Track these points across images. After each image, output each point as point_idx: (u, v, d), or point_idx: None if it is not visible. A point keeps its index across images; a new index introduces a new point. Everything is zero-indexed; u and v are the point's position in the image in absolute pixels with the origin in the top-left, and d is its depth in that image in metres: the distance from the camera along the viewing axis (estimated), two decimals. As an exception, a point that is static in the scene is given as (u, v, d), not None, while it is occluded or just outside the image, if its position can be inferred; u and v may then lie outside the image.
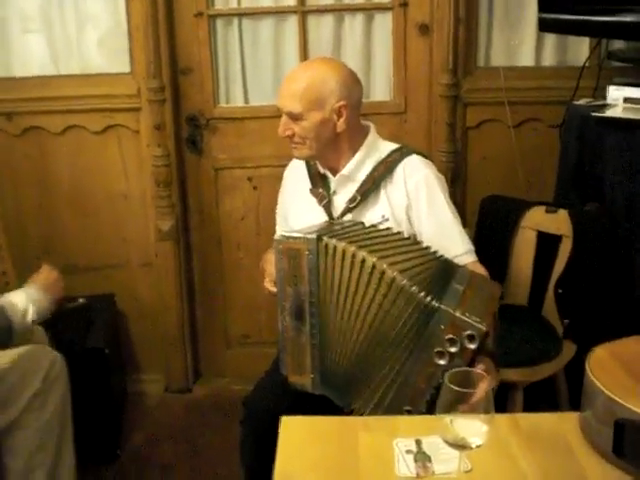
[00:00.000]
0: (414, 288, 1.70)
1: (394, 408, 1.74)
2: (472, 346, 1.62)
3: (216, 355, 3.45)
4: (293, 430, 1.56)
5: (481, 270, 2.08)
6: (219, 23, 3.11)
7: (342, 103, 2.09)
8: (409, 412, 1.71)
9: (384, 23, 3.09)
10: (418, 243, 2.00)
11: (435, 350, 1.66)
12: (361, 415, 1.78)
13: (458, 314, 1.65)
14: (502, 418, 1.55)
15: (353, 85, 2.15)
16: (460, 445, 1.26)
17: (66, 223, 3.22)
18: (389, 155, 2.18)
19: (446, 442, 1.27)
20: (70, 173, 3.18)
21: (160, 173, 3.09)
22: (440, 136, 3.09)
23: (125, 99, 3.08)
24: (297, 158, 2.27)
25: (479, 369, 1.57)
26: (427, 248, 1.95)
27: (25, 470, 2.14)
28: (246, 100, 3.21)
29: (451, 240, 2.10)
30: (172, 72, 3.08)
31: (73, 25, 3.08)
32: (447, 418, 1.25)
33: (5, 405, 2.07)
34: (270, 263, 2.09)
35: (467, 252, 2.12)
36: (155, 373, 3.40)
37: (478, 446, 1.25)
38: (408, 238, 2.02)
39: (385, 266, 1.73)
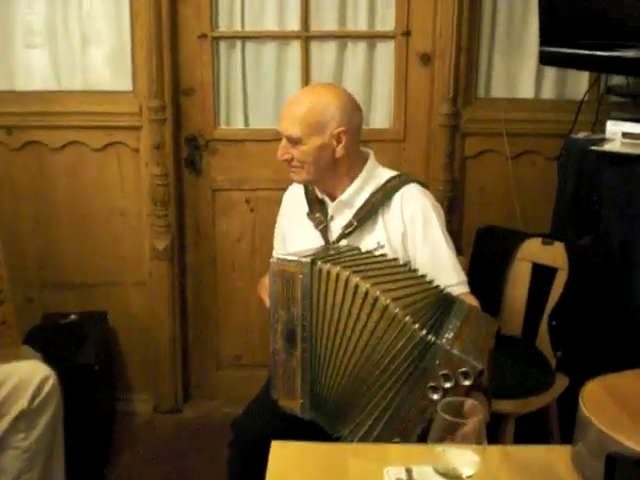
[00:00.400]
0: (408, 318, 1.69)
1: (383, 438, 1.72)
2: (467, 383, 1.61)
3: (207, 376, 3.43)
4: (283, 455, 1.55)
5: (473, 301, 2.08)
6: (222, 45, 3.13)
7: (342, 129, 2.10)
8: (398, 443, 1.69)
9: (386, 51, 3.12)
10: (414, 271, 1.99)
11: (429, 385, 1.65)
12: (350, 442, 1.77)
13: (455, 351, 1.63)
14: (493, 449, 1.54)
15: (353, 111, 2.16)
16: (451, 475, 1.25)
17: (62, 238, 3.22)
18: (387, 181, 2.19)
19: (437, 472, 1.26)
20: (68, 189, 3.18)
21: (158, 192, 3.10)
22: (438, 165, 3.11)
23: (126, 117, 3.09)
24: (296, 182, 2.28)
25: (472, 403, 1.58)
26: (423, 277, 1.95)
27: None
28: (246, 123, 3.23)
29: (445, 270, 2.09)
30: (174, 92, 3.10)
31: (77, 41, 3.10)
32: (439, 447, 1.24)
33: None
34: (266, 289, 2.08)
35: (460, 283, 2.12)
36: (145, 392, 3.38)
37: (469, 477, 1.24)
38: (404, 265, 2.02)
39: (378, 293, 1.72)
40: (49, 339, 2.89)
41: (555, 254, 2.63)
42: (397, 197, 2.16)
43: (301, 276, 1.81)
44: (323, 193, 2.24)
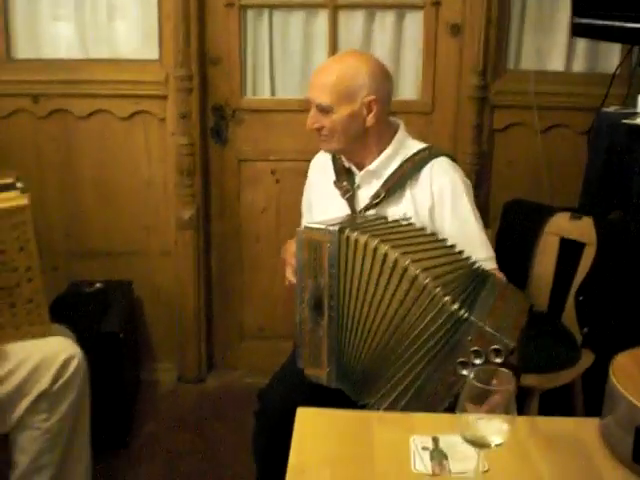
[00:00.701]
0: (438, 290, 1.67)
1: (410, 410, 1.72)
2: (497, 360, 1.59)
3: (230, 346, 3.45)
4: (308, 422, 1.56)
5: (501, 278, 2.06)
6: (250, 14, 3.11)
7: (372, 97, 2.08)
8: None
9: (415, 22, 3.08)
10: (442, 241, 1.96)
11: (458, 360, 1.63)
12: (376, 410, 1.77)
13: (487, 328, 1.62)
14: (521, 420, 1.54)
15: (384, 80, 2.13)
16: (480, 443, 1.24)
17: (88, 207, 3.23)
18: (416, 153, 2.16)
19: (465, 440, 1.26)
20: (94, 157, 3.18)
21: (184, 162, 3.09)
22: (466, 138, 3.08)
23: (152, 86, 3.08)
24: (324, 151, 2.26)
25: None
26: (452, 247, 1.93)
27: (31, 469, 2.09)
28: (273, 92, 3.21)
29: (473, 245, 2.06)
30: (200, 61, 3.08)
31: (104, 12, 3.09)
32: (468, 416, 1.23)
33: (12, 402, 2.02)
34: (291, 254, 2.07)
35: (488, 259, 2.09)
36: (169, 362, 3.41)
37: (498, 445, 1.24)
38: (432, 234, 1.99)
39: (408, 262, 1.70)
40: (74, 307, 2.91)
41: (583, 229, 2.61)
42: (426, 170, 2.13)
43: (328, 245, 1.79)
44: (350, 162, 2.22)
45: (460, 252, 1.92)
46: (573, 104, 3.04)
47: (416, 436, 1.48)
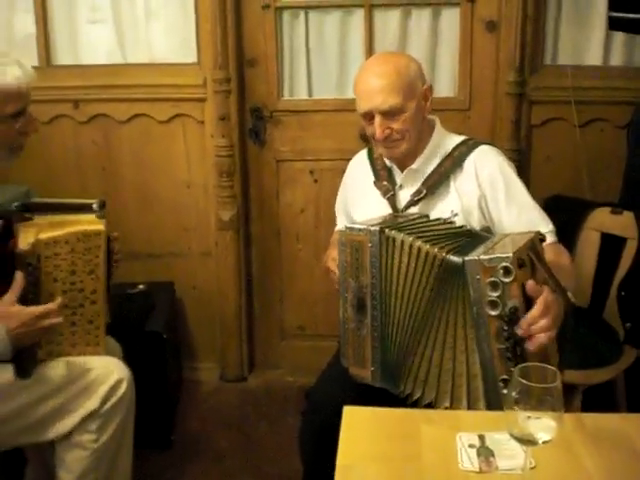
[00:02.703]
0: (437, 250, 1.72)
1: (443, 390, 1.75)
2: (509, 279, 1.58)
3: (271, 346, 3.48)
4: (356, 420, 1.56)
5: (563, 251, 2.06)
6: (285, 15, 3.13)
7: (427, 85, 2.12)
8: (505, 382, 1.63)
9: (451, 19, 3.08)
10: (484, 238, 1.94)
11: (485, 302, 1.62)
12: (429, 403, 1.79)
13: (482, 256, 1.62)
14: (566, 417, 1.53)
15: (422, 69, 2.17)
16: (527, 440, 1.25)
17: (129, 210, 3.28)
18: (455, 149, 2.16)
19: (513, 437, 1.26)
20: (134, 161, 3.23)
21: (223, 163, 3.13)
22: (504, 134, 3.07)
23: (191, 89, 3.12)
24: (392, 157, 2.19)
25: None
26: (492, 241, 1.92)
27: None
28: (310, 93, 3.23)
29: (534, 222, 2.05)
30: (238, 64, 3.11)
31: (141, 15, 3.14)
32: (515, 413, 1.24)
33: (58, 417, 2.03)
34: (333, 259, 2.09)
35: (550, 231, 2.07)
36: (211, 361, 3.44)
37: (545, 442, 1.24)
38: (470, 231, 1.99)
39: (436, 250, 1.73)
40: (118, 309, 2.95)
41: (624, 223, 2.59)
42: (469, 162, 2.12)
43: (370, 244, 1.81)
44: (392, 161, 2.22)
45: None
46: (611, 98, 3.02)
47: (462, 433, 1.49)
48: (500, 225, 2.07)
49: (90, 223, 1.97)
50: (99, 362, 2.09)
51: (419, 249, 1.75)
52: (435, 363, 1.77)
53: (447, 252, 1.71)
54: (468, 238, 1.87)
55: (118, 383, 2.08)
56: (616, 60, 3.10)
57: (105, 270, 2.02)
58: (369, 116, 2.08)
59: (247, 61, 3.14)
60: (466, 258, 1.65)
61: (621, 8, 2.66)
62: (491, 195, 2.09)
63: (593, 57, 3.10)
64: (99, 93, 3.15)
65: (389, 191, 2.19)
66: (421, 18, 3.10)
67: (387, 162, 2.24)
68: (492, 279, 1.60)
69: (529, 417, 1.23)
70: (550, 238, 2.05)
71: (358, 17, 3.10)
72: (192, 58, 3.13)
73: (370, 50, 3.07)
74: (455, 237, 1.86)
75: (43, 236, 1.90)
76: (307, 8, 3.12)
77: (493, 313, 1.61)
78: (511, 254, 1.58)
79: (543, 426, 1.23)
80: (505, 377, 1.63)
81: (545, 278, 1.73)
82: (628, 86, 2.94)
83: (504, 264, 1.58)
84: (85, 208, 2.00)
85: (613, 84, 3.03)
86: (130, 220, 3.28)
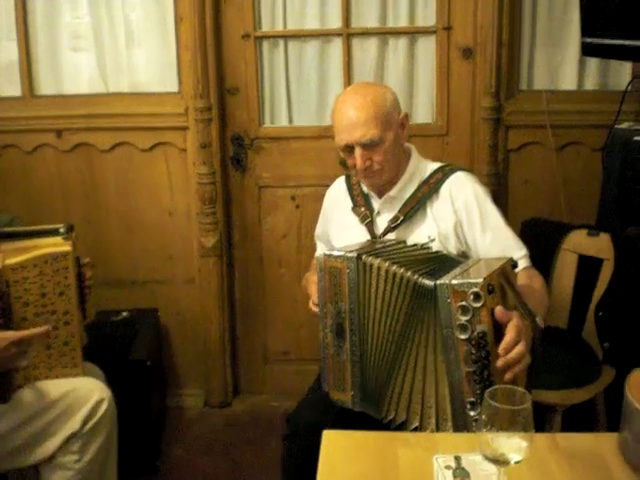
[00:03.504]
0: (409, 273, 1.75)
1: (425, 414, 1.76)
2: (479, 304, 1.61)
3: (255, 371, 3.49)
4: (335, 444, 1.58)
5: (535, 275, 2.09)
6: (265, 45, 3.18)
7: (403, 113, 2.15)
8: (472, 404, 1.67)
9: (428, 46, 3.14)
10: (459, 262, 1.99)
11: (455, 326, 1.65)
12: (401, 423, 1.81)
13: (453, 281, 1.65)
14: (541, 437, 1.56)
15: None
16: (500, 461, 1.28)
17: (113, 238, 3.30)
18: (432, 175, 2.20)
19: (485, 458, 1.29)
20: (117, 189, 3.26)
21: (205, 191, 3.16)
22: (482, 158, 3.12)
23: (173, 118, 3.15)
24: (374, 186, 2.23)
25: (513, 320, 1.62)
26: (467, 264, 1.95)
27: None
28: (290, 120, 3.27)
29: (508, 247, 2.09)
30: (219, 92, 3.15)
31: (122, 44, 3.18)
32: (487, 434, 1.27)
33: (39, 441, 2.05)
34: (312, 282, 2.12)
35: (524, 256, 2.12)
36: (195, 387, 3.45)
37: (517, 462, 1.27)
38: (446, 256, 2.04)
39: (409, 273, 1.76)
40: (101, 336, 2.97)
41: (601, 245, 2.63)
42: (445, 188, 2.16)
43: (347, 270, 1.84)
44: (370, 188, 2.26)
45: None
46: (586, 122, 3.08)
47: (439, 455, 1.51)
48: (475, 250, 2.11)
49: (57, 245, 1.98)
50: (78, 383, 2.10)
51: (394, 274, 1.79)
52: (407, 384, 1.80)
53: (420, 275, 1.75)
54: (443, 262, 1.91)
55: (98, 403, 2.09)
56: (590, 84, 3.16)
57: (76, 291, 2.03)
58: (349, 148, 2.11)
59: (228, 89, 3.18)
60: (438, 282, 1.68)
61: (594, 34, 2.71)
62: (467, 221, 2.13)
63: (568, 82, 3.15)
64: (82, 122, 3.18)
65: (367, 217, 2.22)
66: (398, 46, 3.15)
67: (364, 189, 2.27)
68: (462, 303, 1.63)
69: (500, 438, 1.26)
70: (524, 263, 2.10)
71: (336, 46, 3.15)
72: (173, 87, 3.17)
73: (349, 78, 3.13)
74: (430, 262, 1.89)
75: (10, 261, 1.92)
76: (286, 37, 3.17)
77: (462, 337, 1.64)
78: (481, 280, 1.62)
79: (514, 446, 1.26)
80: (472, 399, 1.66)
81: (515, 304, 1.77)
82: (602, 109, 2.97)
83: (474, 289, 1.62)
84: (52, 233, 2.01)
85: (588, 108, 3.08)
86: (114, 247, 3.30)
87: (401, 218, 2.16)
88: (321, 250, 2.42)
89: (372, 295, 1.83)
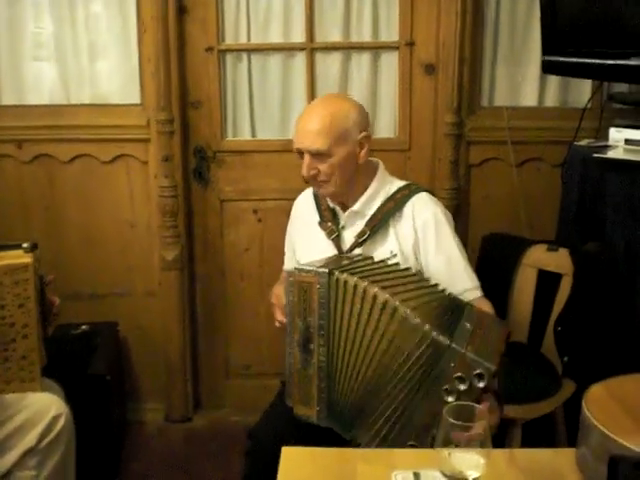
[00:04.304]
0: (427, 326, 1.73)
1: (399, 442, 1.75)
2: (481, 385, 1.64)
3: (217, 385, 3.46)
4: (293, 460, 1.58)
5: (487, 305, 2.12)
6: (229, 58, 3.18)
7: (364, 134, 2.14)
8: (413, 446, 1.72)
9: (390, 62, 3.16)
10: (426, 280, 2.03)
11: (443, 388, 1.68)
12: (366, 447, 1.80)
13: (468, 353, 1.67)
14: (499, 453, 1.57)
15: (367, 117, 2.20)
16: (458, 478, 1.28)
17: (73, 250, 3.26)
18: (397, 191, 2.22)
19: (444, 475, 1.29)
20: (78, 201, 3.22)
21: (167, 203, 3.14)
22: (443, 173, 3.14)
23: (135, 130, 3.13)
24: (323, 195, 2.27)
25: (483, 406, 1.61)
26: (435, 285, 1.99)
27: None
28: (253, 134, 3.27)
29: (458, 276, 2.13)
30: (181, 105, 3.14)
31: (85, 55, 3.15)
32: (445, 451, 1.27)
33: None
34: (277, 296, 2.11)
35: (474, 288, 2.15)
36: (155, 402, 3.41)
37: (475, 478, 1.27)
38: (415, 274, 2.05)
39: (397, 303, 1.76)
40: (60, 350, 2.92)
41: (560, 260, 2.65)
42: (408, 206, 2.18)
43: (318, 286, 1.84)
44: (334, 202, 2.26)
45: (442, 290, 1.97)
46: (546, 138, 3.12)
47: (398, 471, 1.51)
48: (427, 271, 2.14)
49: (17, 257, 1.96)
50: (35, 398, 2.08)
51: (375, 296, 1.78)
52: (382, 413, 1.79)
53: (418, 313, 1.75)
54: (424, 293, 1.92)
55: (55, 419, 2.08)
56: (551, 101, 3.21)
57: (37, 305, 2.00)
58: (301, 153, 2.14)
59: (190, 102, 3.17)
60: (452, 345, 1.69)
61: (554, 52, 2.75)
62: (422, 240, 2.15)
63: (528, 98, 3.20)
64: (42, 133, 3.15)
65: (334, 232, 2.23)
66: (361, 61, 3.17)
67: (330, 203, 2.27)
68: (463, 375, 1.66)
69: (458, 455, 1.26)
70: (476, 293, 2.14)
71: (300, 60, 3.15)
72: (135, 99, 3.15)
73: (312, 92, 3.13)
74: (410, 288, 1.91)
75: None
76: (250, 51, 3.17)
77: (447, 399, 1.67)
78: (493, 368, 1.65)
79: (472, 463, 1.27)
80: (413, 443, 1.73)
81: None
82: (562, 126, 3.01)
83: (483, 372, 1.65)
84: (14, 247, 2.00)
85: (548, 124, 3.13)
86: (73, 260, 3.26)
87: (368, 233, 2.17)
88: (288, 262, 2.43)
89: (346, 312, 1.83)
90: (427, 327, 1.72)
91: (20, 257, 1.96)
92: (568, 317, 2.62)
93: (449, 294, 1.98)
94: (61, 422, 2.08)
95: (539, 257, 2.73)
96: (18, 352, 2.01)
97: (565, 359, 2.63)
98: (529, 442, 2.49)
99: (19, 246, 2.00)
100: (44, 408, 2.07)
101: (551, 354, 2.67)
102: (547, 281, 2.69)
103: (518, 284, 2.75)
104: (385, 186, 2.24)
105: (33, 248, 1.99)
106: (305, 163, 2.13)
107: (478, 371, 1.65)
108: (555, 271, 2.67)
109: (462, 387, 1.65)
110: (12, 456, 2.03)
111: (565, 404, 2.60)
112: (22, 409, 2.05)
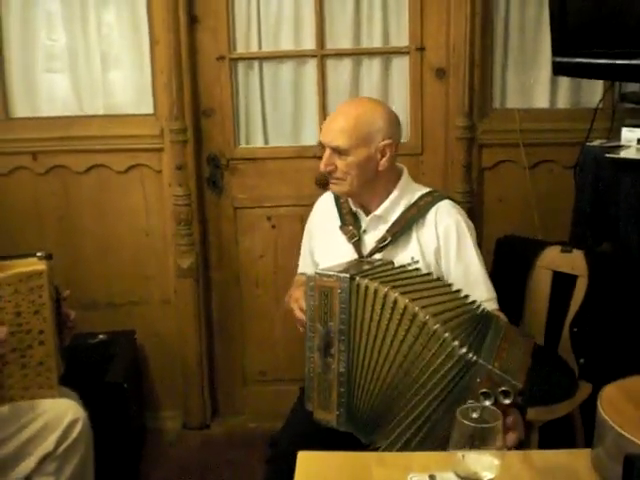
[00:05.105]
0: (447, 334, 1.72)
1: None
2: (506, 401, 1.63)
3: (233, 392, 3.47)
4: (309, 465, 1.58)
5: (502, 318, 2.10)
6: (240, 66, 3.19)
7: (387, 142, 2.14)
8: None
9: (401, 67, 3.17)
10: (449, 286, 2.02)
11: (468, 402, 1.67)
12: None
13: (496, 370, 1.66)
14: (515, 454, 1.57)
15: (397, 125, 2.21)
16: (472, 479, 1.28)
17: (89, 260, 3.28)
18: (421, 198, 2.23)
19: (459, 477, 1.29)
20: (93, 211, 3.25)
21: (181, 212, 3.15)
22: (456, 177, 3.14)
23: (148, 140, 3.15)
24: (336, 193, 2.30)
25: (508, 422, 1.62)
26: (458, 292, 1.98)
27: None
28: (266, 141, 3.28)
29: (476, 286, 2.13)
30: (194, 114, 3.16)
31: (97, 66, 3.18)
32: (460, 453, 1.27)
33: (14, 462, 2.04)
34: (295, 299, 2.12)
35: (490, 299, 2.15)
36: (173, 409, 3.43)
37: (490, 480, 1.28)
38: (438, 280, 2.05)
39: (417, 309, 1.75)
40: (78, 359, 2.94)
41: (575, 262, 2.65)
42: (431, 213, 2.19)
43: (339, 291, 1.84)
44: (357, 206, 2.27)
45: (466, 296, 1.96)
46: (559, 140, 3.11)
47: (413, 474, 1.51)
48: (447, 278, 2.14)
49: (31, 265, 1.97)
50: (52, 404, 2.09)
51: (395, 301, 1.78)
52: (408, 424, 1.79)
53: (438, 320, 1.74)
54: (446, 299, 1.91)
55: (73, 424, 2.09)
56: (562, 103, 3.20)
57: (52, 312, 2.02)
58: (323, 147, 2.17)
59: (203, 111, 3.19)
60: (480, 361, 1.68)
61: (565, 53, 2.75)
62: (444, 248, 2.17)
63: (540, 100, 3.19)
64: (57, 145, 3.17)
65: (355, 236, 2.24)
66: (372, 67, 3.18)
67: (352, 207, 2.28)
68: (489, 391, 1.65)
69: (473, 456, 1.26)
70: (492, 305, 2.14)
71: (311, 67, 3.17)
72: (148, 109, 3.17)
73: (323, 98, 3.15)
74: (432, 293, 1.90)
75: None
76: (261, 59, 3.18)
77: (474, 415, 1.65)
78: (520, 385, 1.65)
79: (487, 464, 1.27)
80: None
81: None
82: (574, 127, 3.01)
83: (509, 390, 1.64)
84: (28, 256, 2.02)
85: (560, 126, 3.12)
86: (90, 270, 3.29)
87: (389, 239, 2.18)
88: (305, 266, 2.44)
89: (367, 318, 1.83)
90: (447, 335, 1.71)
91: (34, 264, 1.98)
92: (584, 318, 2.61)
93: (473, 302, 1.96)
94: (78, 427, 2.10)
95: (553, 259, 2.72)
96: (35, 358, 2.03)
97: (581, 361, 2.62)
98: (546, 445, 2.48)
99: (33, 255, 2.02)
100: (61, 413, 2.09)
101: (567, 356, 2.66)
102: (562, 283, 2.69)
103: (533, 286, 2.75)
104: (408, 193, 2.25)
105: (48, 257, 2.01)
106: (324, 156, 2.16)
107: (504, 388, 1.64)
108: (570, 272, 2.66)
109: (487, 402, 1.64)
110: (31, 462, 2.04)
111: (581, 406, 2.59)
112: (39, 415, 2.06)
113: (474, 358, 1.69)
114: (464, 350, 1.69)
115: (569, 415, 2.58)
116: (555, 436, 2.60)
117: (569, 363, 2.65)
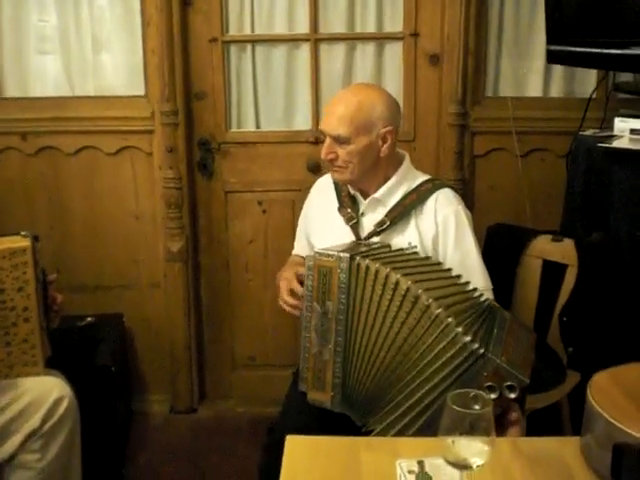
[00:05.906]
0: (450, 319, 1.72)
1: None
2: (512, 396, 1.65)
3: (222, 376, 3.47)
4: (297, 450, 1.58)
5: None
6: (233, 49, 3.17)
7: (388, 129, 2.14)
8: None
9: (395, 52, 3.15)
10: (447, 270, 2.02)
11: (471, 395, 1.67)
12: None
13: (504, 364, 1.67)
14: (504, 442, 1.58)
15: (397, 111, 2.21)
16: (462, 465, 1.28)
17: (78, 242, 3.26)
18: (421, 185, 2.23)
19: (448, 462, 1.29)
20: (82, 193, 3.23)
21: (171, 195, 3.14)
22: (448, 164, 3.13)
23: (139, 122, 3.13)
24: (337, 181, 2.29)
25: (511, 417, 1.66)
26: (458, 277, 1.98)
27: None
28: (257, 125, 3.26)
29: (473, 274, 2.12)
30: (186, 96, 3.14)
31: (89, 47, 3.15)
32: (449, 439, 1.27)
33: (1, 438, 2.04)
34: (285, 278, 2.12)
35: (486, 289, 2.14)
36: (161, 393, 3.42)
37: (479, 466, 1.27)
38: (438, 264, 2.06)
39: (420, 291, 1.76)
40: (66, 342, 2.92)
41: (565, 251, 2.65)
42: (431, 200, 2.19)
43: (339, 271, 1.84)
44: (355, 189, 2.27)
45: (466, 283, 1.97)
46: (551, 128, 3.11)
47: (402, 460, 1.51)
48: (444, 265, 2.12)
49: (15, 241, 1.97)
50: (37, 382, 2.09)
51: (397, 283, 1.78)
52: (404, 410, 1.79)
53: (441, 305, 1.74)
54: (447, 284, 1.92)
55: (59, 401, 2.10)
56: (555, 91, 3.20)
57: (36, 287, 2.01)
58: (324, 135, 2.16)
59: (195, 94, 3.16)
60: (488, 354, 1.68)
61: (559, 41, 2.74)
62: (442, 236, 2.17)
63: (533, 88, 3.19)
64: (47, 125, 3.15)
65: (352, 218, 2.23)
66: (365, 52, 3.16)
67: (350, 190, 2.28)
68: (495, 385, 1.65)
69: (462, 442, 1.26)
70: (488, 295, 2.12)
71: (304, 51, 3.15)
72: (140, 91, 3.14)
73: (316, 83, 3.13)
74: (432, 277, 1.91)
75: None
76: (254, 42, 3.16)
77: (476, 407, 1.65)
78: (526, 381, 1.67)
79: (476, 451, 1.26)
80: None
81: None
82: (567, 116, 3.01)
83: (515, 385, 1.66)
84: (12, 235, 2.01)
85: (553, 115, 3.12)
86: (78, 252, 3.27)
87: (388, 223, 2.17)
88: (300, 248, 2.44)
89: (366, 298, 1.83)
90: (452, 322, 1.72)
91: (18, 241, 1.98)
92: (573, 308, 2.61)
93: (475, 289, 1.96)
94: (64, 404, 2.10)
95: (544, 248, 2.72)
96: (19, 336, 2.02)
97: (570, 350, 2.63)
98: (534, 433, 2.48)
99: (17, 234, 2.01)
100: (47, 391, 2.09)
101: (556, 345, 2.66)
102: (552, 272, 2.68)
103: (523, 275, 2.74)
104: (408, 178, 2.25)
105: (34, 239, 2.00)
106: (325, 145, 2.15)
107: (510, 383, 1.64)
108: (560, 262, 2.66)
109: (493, 396, 1.64)
110: (16, 439, 2.05)
111: (569, 395, 2.59)
112: (24, 392, 2.06)
113: (482, 351, 1.69)
114: (468, 339, 1.70)
115: (557, 403, 2.59)
116: (542, 425, 2.61)
117: (558, 352, 2.65)
